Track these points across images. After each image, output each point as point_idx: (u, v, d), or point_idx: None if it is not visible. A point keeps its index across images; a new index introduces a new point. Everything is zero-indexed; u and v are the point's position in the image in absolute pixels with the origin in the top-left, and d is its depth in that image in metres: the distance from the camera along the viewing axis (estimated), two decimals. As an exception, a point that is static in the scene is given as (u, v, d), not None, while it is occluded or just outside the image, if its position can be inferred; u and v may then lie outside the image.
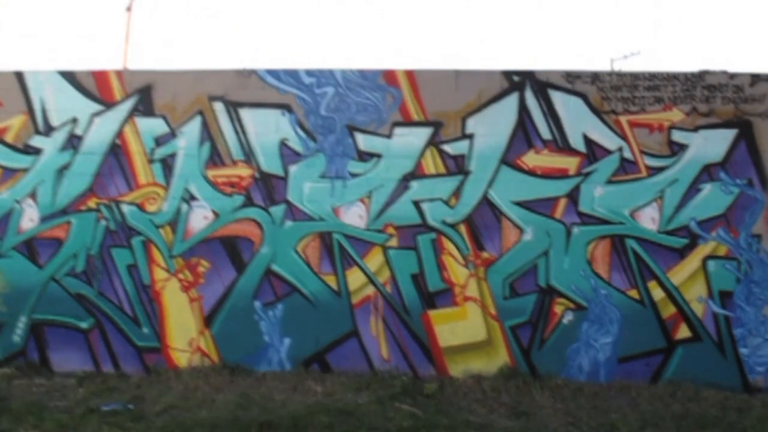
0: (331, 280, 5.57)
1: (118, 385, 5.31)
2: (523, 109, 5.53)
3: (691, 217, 5.36)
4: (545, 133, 5.51)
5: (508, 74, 5.57)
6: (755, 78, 5.42)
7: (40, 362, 5.68)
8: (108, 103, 5.76)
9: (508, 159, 5.51)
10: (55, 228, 5.73)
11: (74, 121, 5.76)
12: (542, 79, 5.54)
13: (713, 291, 5.34)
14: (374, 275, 5.54)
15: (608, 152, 5.46)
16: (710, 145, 5.39)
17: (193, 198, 5.66)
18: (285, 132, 5.64)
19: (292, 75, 5.68)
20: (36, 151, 5.77)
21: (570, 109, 5.50)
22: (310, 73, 5.68)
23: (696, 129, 5.41)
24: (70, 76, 5.81)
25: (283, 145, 5.64)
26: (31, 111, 5.80)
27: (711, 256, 5.35)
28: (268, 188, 5.64)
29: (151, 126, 5.72)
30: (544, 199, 5.47)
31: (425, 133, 5.56)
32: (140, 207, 5.69)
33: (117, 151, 5.73)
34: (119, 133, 5.73)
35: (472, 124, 5.55)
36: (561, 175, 5.48)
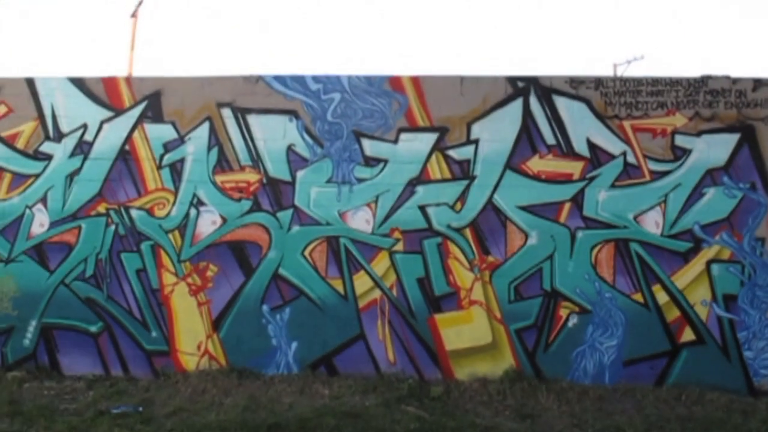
0: (338, 284, 5.62)
1: (127, 388, 5.37)
2: (527, 115, 5.58)
3: (694, 221, 5.40)
4: (549, 138, 5.56)
5: (512, 80, 5.63)
6: (758, 83, 5.47)
7: (50, 366, 5.74)
8: (117, 110, 5.83)
9: (513, 164, 5.56)
10: (65, 233, 5.79)
11: (84, 127, 5.83)
12: (546, 84, 5.59)
13: (717, 294, 5.38)
14: (381, 279, 5.59)
15: (612, 157, 5.50)
16: (713, 149, 5.43)
17: (201, 203, 5.72)
18: (292, 138, 5.70)
19: (299, 81, 5.74)
20: (46, 157, 5.84)
21: (574, 114, 5.55)
22: (316, 79, 5.74)
23: (699, 133, 5.45)
24: (80, 83, 5.87)
25: (290, 150, 5.70)
26: (41, 117, 5.87)
27: (715, 260, 5.38)
28: (276, 193, 5.70)
29: (160, 132, 5.79)
30: (549, 204, 5.52)
31: (431, 138, 5.61)
32: (149, 212, 5.75)
33: (126, 156, 5.80)
34: (128, 139, 5.80)
35: (477, 130, 5.60)
36: (565, 179, 5.53)
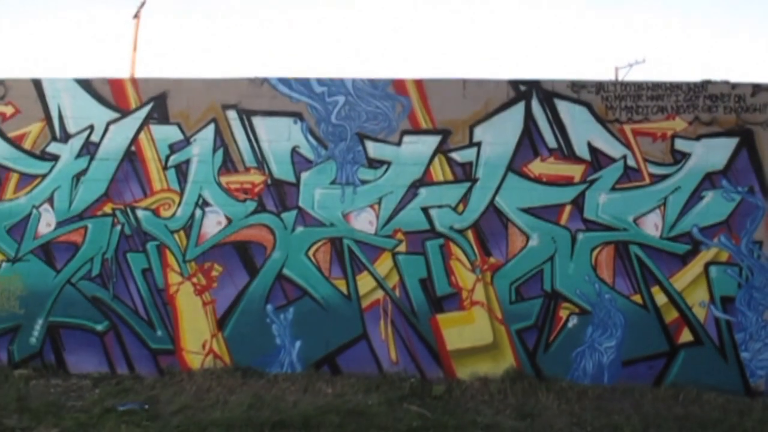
0: (342, 285, 5.69)
1: (133, 386, 5.42)
2: (529, 118, 5.64)
3: (693, 224, 5.47)
4: (551, 142, 5.62)
5: (514, 83, 5.69)
6: (756, 88, 5.53)
7: (57, 364, 5.80)
8: (124, 111, 5.88)
9: (515, 166, 5.62)
10: (72, 233, 5.85)
11: (91, 128, 5.88)
12: (548, 88, 5.65)
13: (715, 296, 5.45)
14: (383, 280, 5.66)
15: (612, 160, 5.57)
16: (712, 153, 5.49)
17: (206, 204, 5.78)
18: (297, 139, 5.76)
19: (304, 84, 5.80)
20: (53, 158, 5.89)
21: (575, 118, 5.61)
22: (321, 82, 5.80)
23: (698, 138, 5.51)
24: (86, 84, 5.92)
25: (294, 152, 5.76)
26: (48, 118, 5.92)
27: (713, 262, 5.45)
28: (280, 194, 5.76)
29: (166, 133, 5.84)
30: (550, 206, 5.58)
31: (434, 141, 5.68)
32: (155, 212, 5.81)
33: (132, 157, 5.85)
34: (134, 140, 5.86)
35: (480, 133, 5.66)
36: (566, 182, 5.59)
